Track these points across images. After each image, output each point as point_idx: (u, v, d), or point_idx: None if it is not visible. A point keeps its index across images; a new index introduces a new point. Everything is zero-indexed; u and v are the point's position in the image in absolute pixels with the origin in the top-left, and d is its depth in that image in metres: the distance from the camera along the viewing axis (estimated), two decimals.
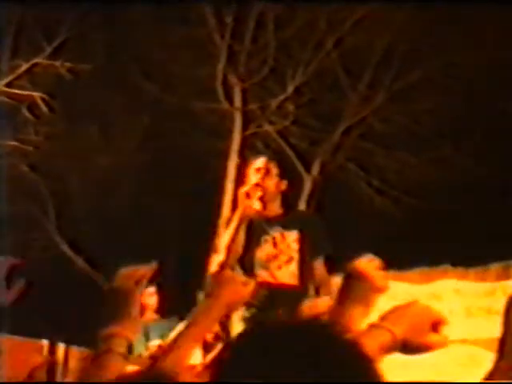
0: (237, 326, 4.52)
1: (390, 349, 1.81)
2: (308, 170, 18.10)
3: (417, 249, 14.70)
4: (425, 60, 16.65)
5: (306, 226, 4.73)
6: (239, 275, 2.57)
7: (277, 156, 18.10)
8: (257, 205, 4.59)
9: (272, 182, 4.75)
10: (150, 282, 2.38)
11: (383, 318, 1.85)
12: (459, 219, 16.66)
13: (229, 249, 4.48)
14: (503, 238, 15.39)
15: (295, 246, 4.63)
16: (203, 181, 17.14)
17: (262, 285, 4.38)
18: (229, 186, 17.38)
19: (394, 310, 1.88)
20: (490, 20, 15.98)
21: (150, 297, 7.66)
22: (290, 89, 17.56)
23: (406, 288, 12.22)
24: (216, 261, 4.64)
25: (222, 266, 4.49)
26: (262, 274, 4.57)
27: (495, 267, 10.77)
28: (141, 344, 6.99)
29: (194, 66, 17.15)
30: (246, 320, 4.44)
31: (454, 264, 11.86)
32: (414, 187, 17.42)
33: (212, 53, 17.63)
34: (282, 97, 17.70)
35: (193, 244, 16.09)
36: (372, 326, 1.84)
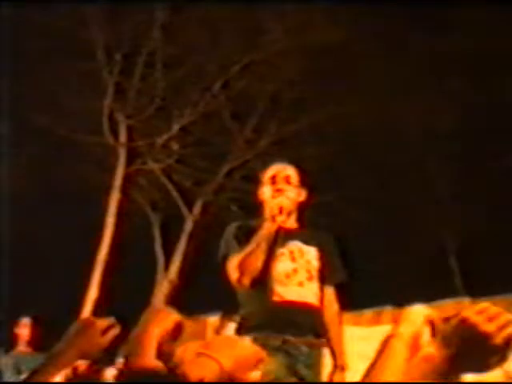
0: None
1: (215, 379, 1.85)
2: (190, 209, 18.20)
3: None
4: (311, 108, 17.06)
5: (324, 246, 4.14)
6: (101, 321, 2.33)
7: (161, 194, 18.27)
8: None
9: (294, 192, 4.13)
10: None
11: (209, 347, 1.89)
12: None
13: (242, 266, 3.87)
14: (376, 284, 15.88)
15: (316, 264, 4.04)
16: (87, 215, 16.99)
17: (281, 304, 3.89)
18: (109, 221, 17.28)
19: (222, 341, 1.94)
20: (375, 71, 16.60)
21: (23, 328, 7.43)
22: (176, 128, 17.70)
23: None
24: (231, 278, 3.92)
25: (235, 283, 3.95)
26: (280, 291, 3.92)
27: (368, 312, 11.11)
28: (12, 377, 6.80)
29: (82, 100, 17.05)
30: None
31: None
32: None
33: (100, 87, 17.61)
34: (167, 135, 17.80)
35: (74, 278, 15.92)
36: (199, 354, 1.88)
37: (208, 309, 12.13)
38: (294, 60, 16.64)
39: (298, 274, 3.96)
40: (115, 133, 17.90)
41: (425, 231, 18.84)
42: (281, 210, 3.96)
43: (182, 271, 17.65)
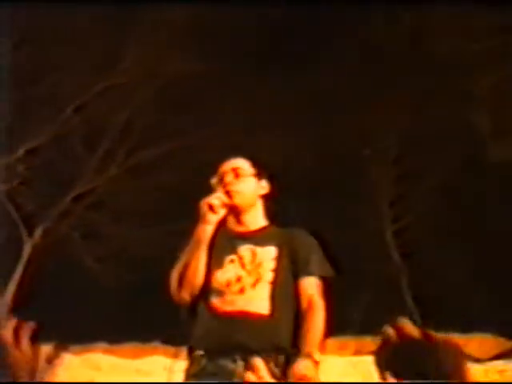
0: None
1: None
2: (30, 233, 17.70)
3: (131, 324, 14.77)
4: (162, 138, 17.04)
5: (292, 243, 3.49)
6: None
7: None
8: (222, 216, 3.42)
9: (248, 185, 3.53)
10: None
11: None
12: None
13: (181, 279, 3.32)
14: None
15: (271, 265, 3.40)
16: None
17: (216, 317, 3.31)
18: None
19: None
20: (228, 101, 16.79)
21: None
22: (22, 149, 17.23)
23: (115, 362, 12.28)
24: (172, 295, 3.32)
25: (177, 300, 3.34)
26: (217, 303, 3.34)
27: None
28: None
29: None
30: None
31: (165, 342, 12.13)
32: (136, 261, 17.31)
33: None
34: (12, 156, 17.27)
35: None
36: None
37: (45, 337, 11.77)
38: (147, 88, 16.67)
39: (241, 281, 3.36)
40: None
41: None
42: (211, 208, 3.37)
43: (17, 296, 17.10)
